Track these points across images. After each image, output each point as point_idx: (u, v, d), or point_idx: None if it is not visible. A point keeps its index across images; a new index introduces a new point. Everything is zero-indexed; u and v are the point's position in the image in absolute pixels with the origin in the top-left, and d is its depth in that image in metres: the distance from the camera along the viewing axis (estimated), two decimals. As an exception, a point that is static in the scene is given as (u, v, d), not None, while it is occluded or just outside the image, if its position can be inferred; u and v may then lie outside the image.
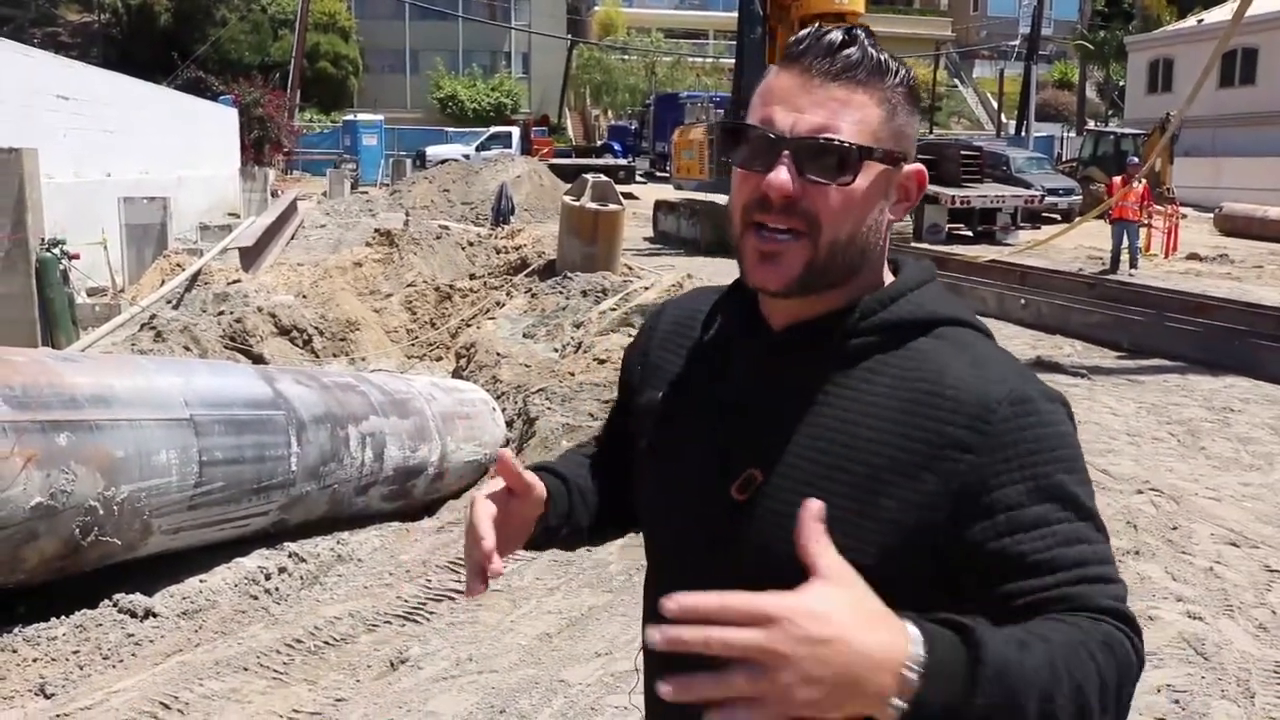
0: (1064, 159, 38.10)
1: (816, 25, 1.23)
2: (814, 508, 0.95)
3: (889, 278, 1.27)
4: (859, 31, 1.19)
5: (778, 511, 1.15)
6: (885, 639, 0.91)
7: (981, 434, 1.12)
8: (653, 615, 1.34)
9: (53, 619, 4.27)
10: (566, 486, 1.41)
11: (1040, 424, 1.14)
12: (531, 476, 1.28)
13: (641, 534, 1.43)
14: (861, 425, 1.16)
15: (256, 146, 32.69)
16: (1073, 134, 46.42)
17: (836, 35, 1.17)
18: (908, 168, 1.23)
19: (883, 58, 1.18)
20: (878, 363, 1.19)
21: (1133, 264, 17.78)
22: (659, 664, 1.35)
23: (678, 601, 0.89)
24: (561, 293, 10.68)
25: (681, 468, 1.27)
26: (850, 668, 0.88)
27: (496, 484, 1.28)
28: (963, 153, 24.95)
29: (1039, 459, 1.11)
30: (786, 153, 1.15)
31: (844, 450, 1.16)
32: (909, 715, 0.90)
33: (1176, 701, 3.82)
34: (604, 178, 13.06)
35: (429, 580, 4.79)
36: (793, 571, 0.96)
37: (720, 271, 16.14)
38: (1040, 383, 1.22)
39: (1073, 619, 1.04)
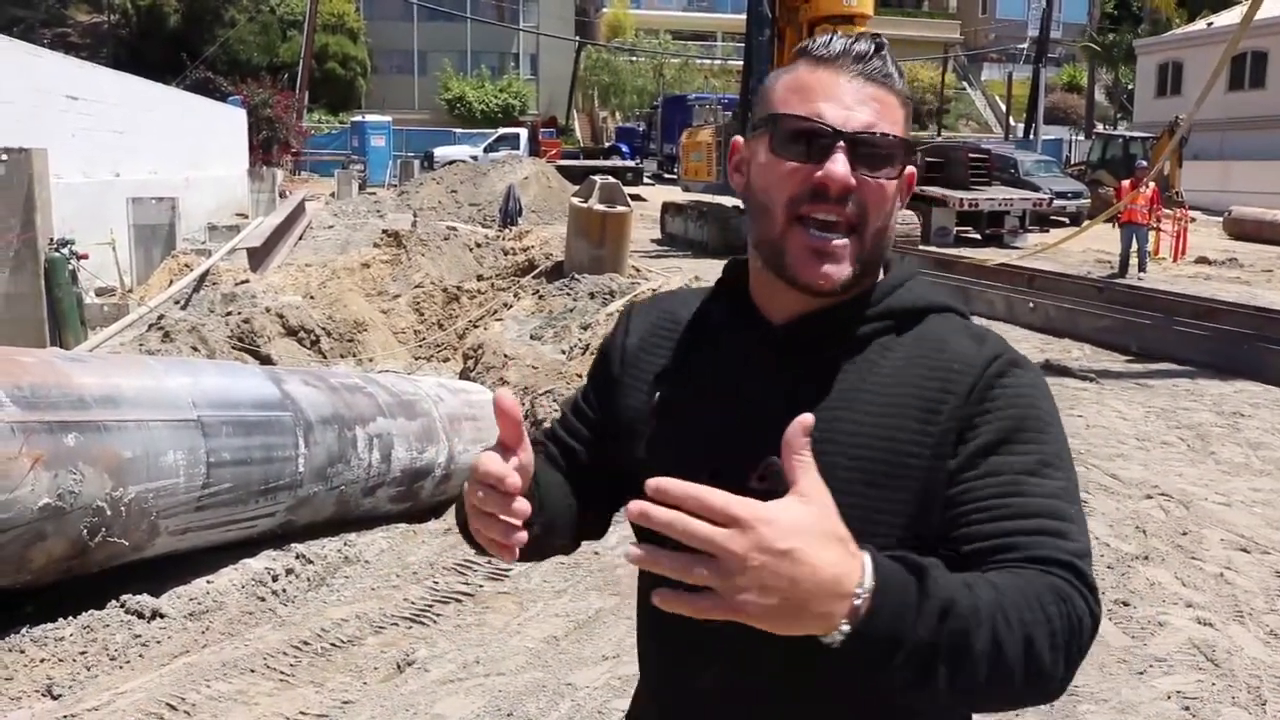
0: (1072, 162, 38.04)
1: (835, 31, 1.29)
2: (805, 422, 0.98)
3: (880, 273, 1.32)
4: (882, 41, 1.24)
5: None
6: (841, 563, 0.94)
7: (973, 385, 1.20)
8: (650, 617, 1.34)
9: (60, 620, 4.27)
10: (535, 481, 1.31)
11: (1028, 385, 1.22)
12: (526, 435, 1.18)
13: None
14: (872, 407, 1.21)
15: (265, 147, 32.80)
16: (1081, 137, 46.37)
17: (865, 44, 1.23)
18: (911, 168, 1.28)
19: (899, 67, 1.25)
20: (882, 347, 1.25)
21: (1141, 267, 17.74)
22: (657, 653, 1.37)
23: (657, 483, 0.92)
24: (569, 294, 10.68)
25: (692, 461, 1.23)
26: (802, 584, 0.92)
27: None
28: (971, 155, 24.93)
29: (1020, 411, 1.19)
30: (842, 145, 1.18)
31: (861, 429, 1.20)
32: (852, 641, 0.95)
33: (1187, 708, 3.80)
34: (612, 179, 13.06)
35: (436, 582, 4.79)
36: None
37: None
38: (1027, 361, 1.29)
39: (1026, 570, 1.08)
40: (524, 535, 1.14)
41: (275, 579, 4.84)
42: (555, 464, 1.44)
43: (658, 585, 0.98)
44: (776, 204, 1.22)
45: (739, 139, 1.34)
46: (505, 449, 1.15)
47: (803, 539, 0.92)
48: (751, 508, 0.92)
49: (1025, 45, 53.83)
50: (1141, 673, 4.07)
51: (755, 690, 1.26)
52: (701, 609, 0.93)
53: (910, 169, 1.27)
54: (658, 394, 1.34)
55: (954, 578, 1.02)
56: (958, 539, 1.14)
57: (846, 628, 0.94)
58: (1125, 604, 4.67)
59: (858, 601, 0.94)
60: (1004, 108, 54.87)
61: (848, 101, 1.20)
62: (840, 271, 1.20)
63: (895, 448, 1.19)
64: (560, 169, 29.04)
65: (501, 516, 1.12)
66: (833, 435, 1.19)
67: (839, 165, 1.18)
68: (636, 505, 0.92)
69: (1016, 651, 1.00)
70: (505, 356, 8.50)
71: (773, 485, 1.15)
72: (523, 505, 1.12)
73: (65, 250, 10.48)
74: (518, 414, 1.16)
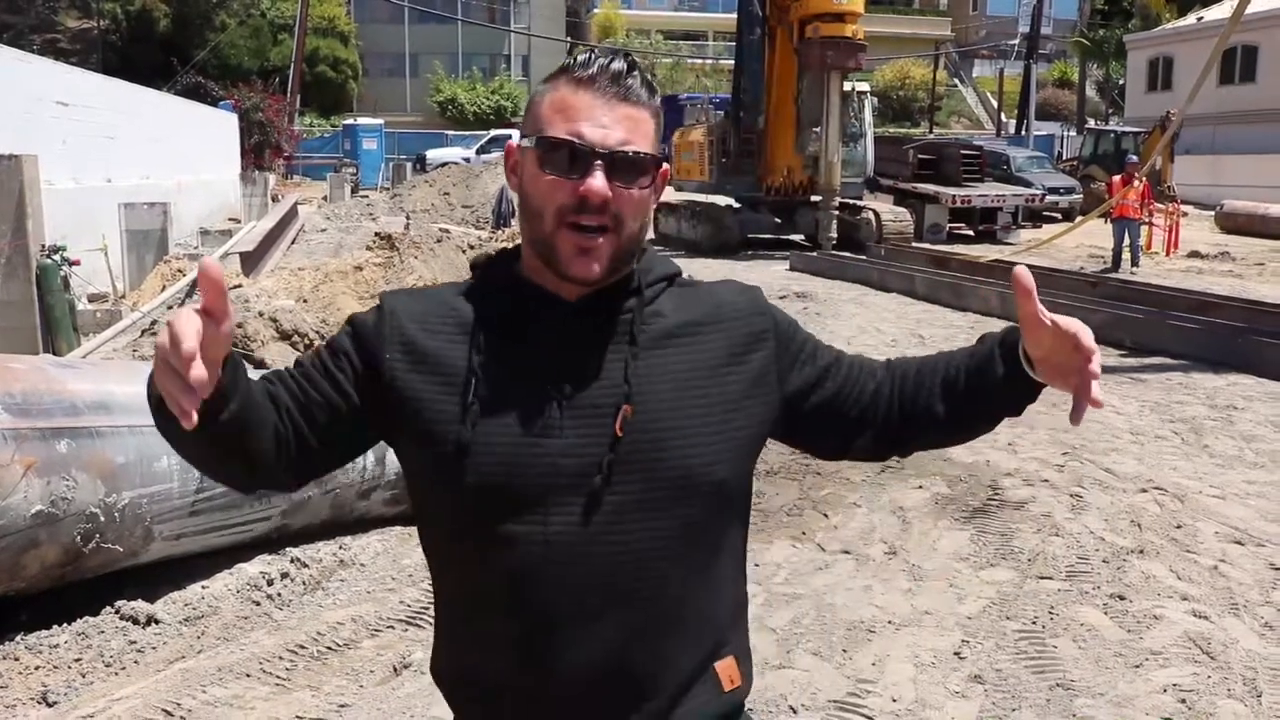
0: (1064, 158, 38.09)
1: (592, 53, 1.44)
2: (1023, 277, 1.37)
3: None
4: (632, 57, 1.44)
5: (653, 433, 1.40)
6: None
7: (766, 320, 1.54)
8: (512, 594, 1.41)
9: (54, 626, 4.25)
10: (245, 381, 1.36)
11: (776, 306, 1.60)
12: (229, 305, 1.22)
13: (445, 512, 1.46)
14: (683, 342, 1.46)
15: (257, 151, 32.71)
16: (1073, 133, 46.41)
17: (620, 64, 1.41)
18: (664, 167, 1.47)
19: (649, 80, 1.45)
20: (663, 301, 1.49)
21: (1134, 262, 17.77)
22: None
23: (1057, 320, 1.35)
24: (562, 295, 10.65)
25: (533, 428, 1.39)
26: None
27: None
28: (963, 152, 24.96)
29: (791, 321, 1.60)
30: (599, 163, 1.38)
31: (681, 362, 1.45)
32: None
33: (1183, 701, 3.81)
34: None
35: (431, 584, 4.78)
36: (680, 483, 1.40)
37: (721, 272, 16.17)
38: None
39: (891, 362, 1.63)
40: (196, 400, 1.18)
41: (270, 583, 4.83)
42: (275, 401, 1.46)
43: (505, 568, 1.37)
44: (547, 211, 1.40)
45: (511, 143, 1.51)
46: (206, 314, 1.20)
47: None
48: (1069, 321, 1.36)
49: (1016, 41, 53.94)
50: (1137, 666, 4.07)
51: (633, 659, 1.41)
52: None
53: (664, 168, 1.47)
54: (475, 380, 1.41)
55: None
56: (830, 387, 1.57)
57: None
58: (1121, 598, 4.68)
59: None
60: (995, 104, 54.91)
61: (604, 122, 1.39)
62: (600, 265, 1.40)
63: (715, 362, 1.47)
64: (553, 170, 28.95)
65: (183, 375, 1.16)
66: (664, 366, 1.44)
67: (598, 181, 1.37)
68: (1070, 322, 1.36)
69: None
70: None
71: (628, 432, 1.39)
72: (200, 372, 1.16)
73: (57, 257, 10.45)
74: (221, 282, 1.21)
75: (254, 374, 1.46)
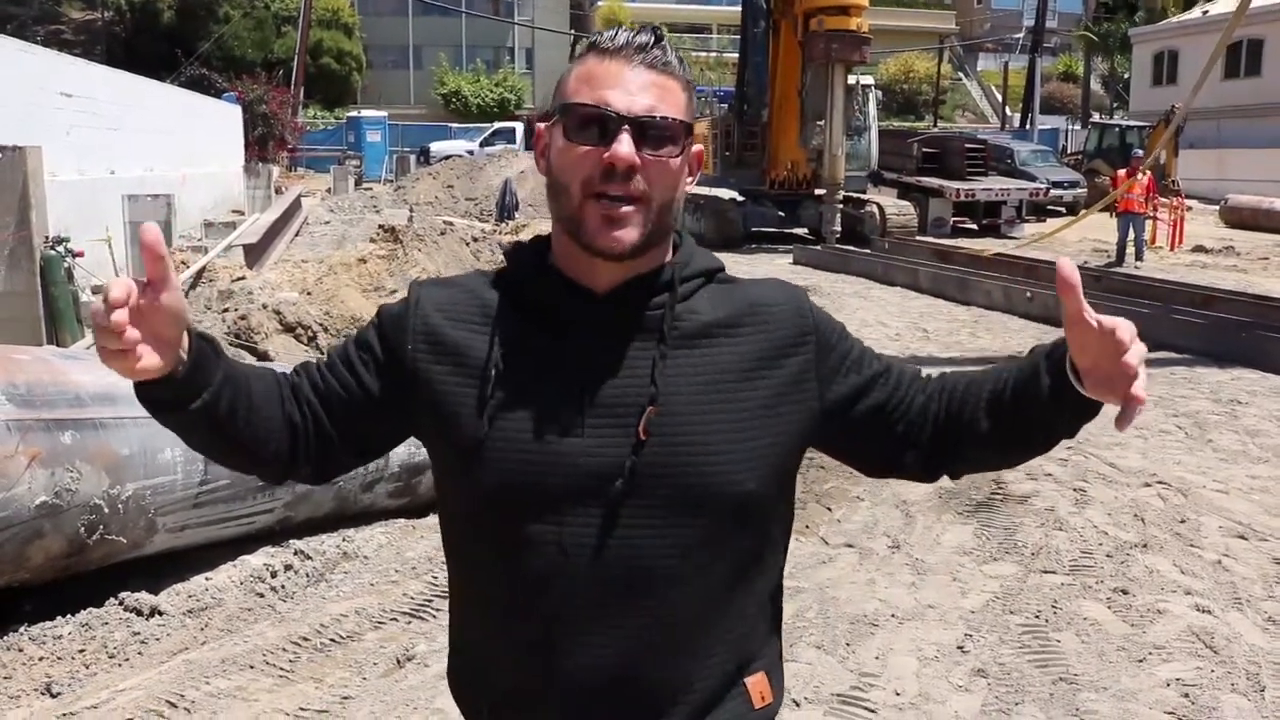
0: (1069, 152, 38.02)
1: (620, 26, 1.44)
2: (1067, 272, 1.33)
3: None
4: (661, 31, 1.39)
5: (679, 437, 1.33)
6: None
7: (807, 323, 1.45)
8: (532, 595, 1.38)
9: (58, 618, 4.26)
10: (225, 371, 1.35)
11: (821, 308, 1.51)
12: (170, 271, 1.20)
13: (462, 510, 1.44)
14: (716, 343, 1.39)
15: (260, 143, 32.69)
16: (1077, 127, 46.33)
17: (646, 35, 1.37)
18: (697, 147, 1.43)
19: (678, 55, 1.39)
20: (700, 298, 1.42)
21: (1138, 256, 17.75)
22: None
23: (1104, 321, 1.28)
24: (566, 288, 10.65)
25: (553, 427, 1.34)
26: None
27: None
28: (967, 146, 24.93)
29: (835, 321, 1.50)
30: (627, 128, 1.31)
31: (713, 365, 1.38)
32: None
33: (1186, 695, 3.80)
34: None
35: (435, 577, 4.79)
36: (703, 491, 1.33)
37: (726, 265, 16.11)
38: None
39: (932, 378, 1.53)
40: (132, 362, 1.18)
41: (274, 575, 4.83)
42: (296, 393, 1.46)
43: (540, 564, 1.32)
44: (574, 183, 1.34)
45: (541, 126, 1.45)
46: (147, 284, 1.20)
47: None
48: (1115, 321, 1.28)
49: (1021, 35, 53.85)
50: (1141, 660, 4.07)
51: (647, 655, 1.36)
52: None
53: (697, 148, 1.43)
54: (494, 371, 1.37)
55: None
56: (876, 400, 1.48)
57: None
58: (1124, 592, 4.68)
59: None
60: (1000, 98, 54.84)
61: (631, 89, 1.33)
62: (629, 235, 1.33)
63: (749, 367, 1.39)
64: (556, 163, 28.91)
65: (117, 337, 1.17)
66: (695, 369, 1.37)
67: (624, 146, 1.31)
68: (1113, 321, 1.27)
69: None
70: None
71: (653, 433, 1.32)
72: (134, 334, 1.17)
73: (61, 248, 10.44)
74: (158, 248, 1.19)
75: (283, 367, 1.46)
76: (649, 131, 1.33)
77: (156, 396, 1.29)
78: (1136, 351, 1.25)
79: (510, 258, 1.48)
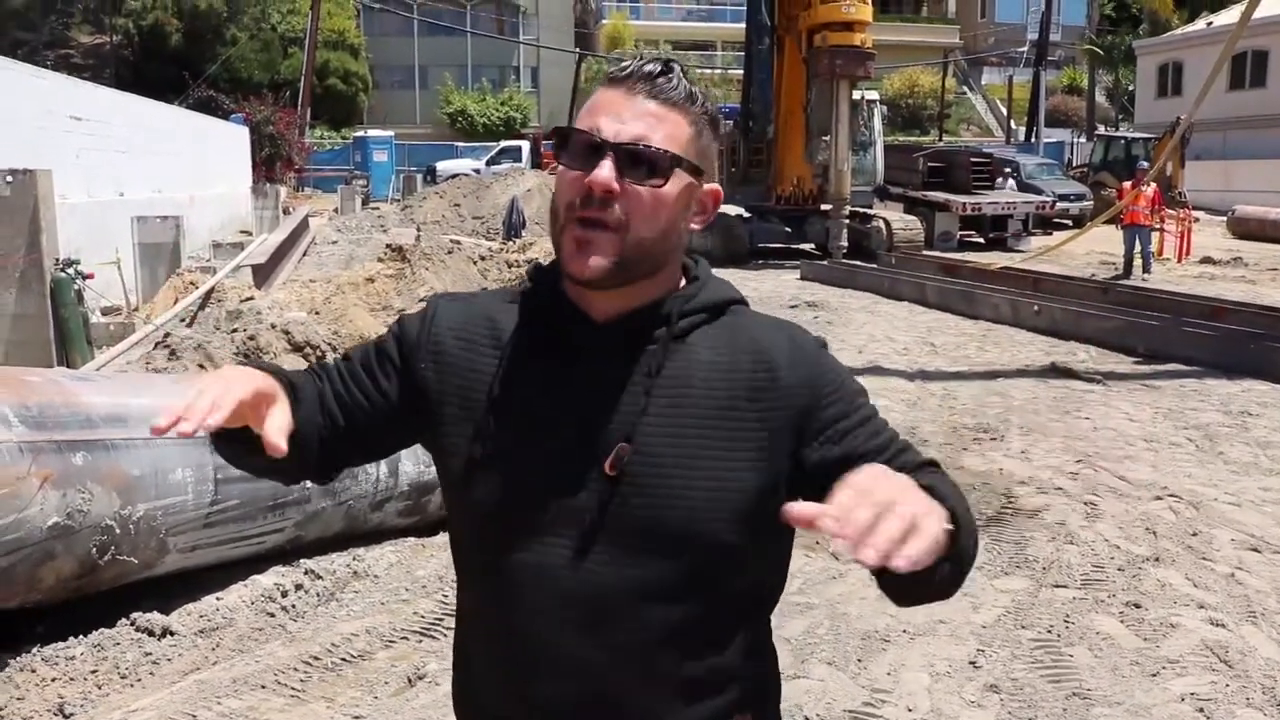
0: (1074, 164, 38.01)
1: (639, 55, 1.41)
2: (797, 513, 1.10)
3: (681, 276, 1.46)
4: (675, 64, 1.38)
5: (649, 477, 1.31)
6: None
7: (804, 376, 1.38)
8: (496, 626, 1.40)
9: (70, 639, 4.26)
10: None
11: (833, 361, 1.44)
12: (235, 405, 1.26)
13: (460, 528, 1.47)
14: (704, 386, 1.35)
15: (268, 164, 32.88)
16: (1083, 139, 46.31)
17: (656, 64, 1.36)
18: (708, 186, 1.42)
19: (692, 88, 1.37)
20: (701, 335, 1.39)
21: (1145, 268, 17.73)
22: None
23: (845, 507, 1.03)
24: (573, 305, 10.67)
25: (536, 454, 1.35)
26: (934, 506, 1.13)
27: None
28: (973, 160, 24.94)
29: (844, 382, 1.41)
30: (610, 154, 1.31)
31: (696, 408, 1.34)
32: (952, 537, 1.16)
33: (1201, 710, 3.78)
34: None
35: (446, 596, 4.79)
36: (666, 533, 1.30)
37: (732, 283, 16.10)
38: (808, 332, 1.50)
39: (920, 472, 1.31)
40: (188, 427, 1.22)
41: (284, 595, 4.84)
42: (321, 398, 1.49)
43: (497, 598, 1.35)
44: (560, 207, 1.35)
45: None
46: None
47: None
48: (887, 478, 1.12)
49: (1025, 49, 53.89)
50: (1155, 675, 4.05)
51: (606, 692, 1.35)
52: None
53: (711, 187, 1.42)
54: (492, 394, 1.39)
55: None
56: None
57: (950, 527, 1.15)
58: (1137, 606, 4.66)
59: (945, 506, 1.17)
60: (1005, 111, 54.85)
61: (625, 117, 1.33)
62: (597, 262, 1.31)
63: (731, 414, 1.34)
64: (563, 181, 28.93)
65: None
66: (678, 410, 1.33)
67: (603, 171, 1.30)
68: (826, 513, 1.04)
69: (973, 523, 1.29)
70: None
71: (622, 471, 1.30)
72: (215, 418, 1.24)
73: (71, 270, 10.50)
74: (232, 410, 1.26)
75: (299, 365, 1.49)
76: (633, 159, 1.32)
77: (234, 444, 1.39)
78: (863, 510, 1.03)
79: (530, 279, 1.47)
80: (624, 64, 1.38)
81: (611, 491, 1.31)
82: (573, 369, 1.37)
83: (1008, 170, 26.66)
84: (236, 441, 1.37)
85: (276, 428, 1.28)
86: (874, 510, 1.03)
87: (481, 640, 1.45)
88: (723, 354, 1.37)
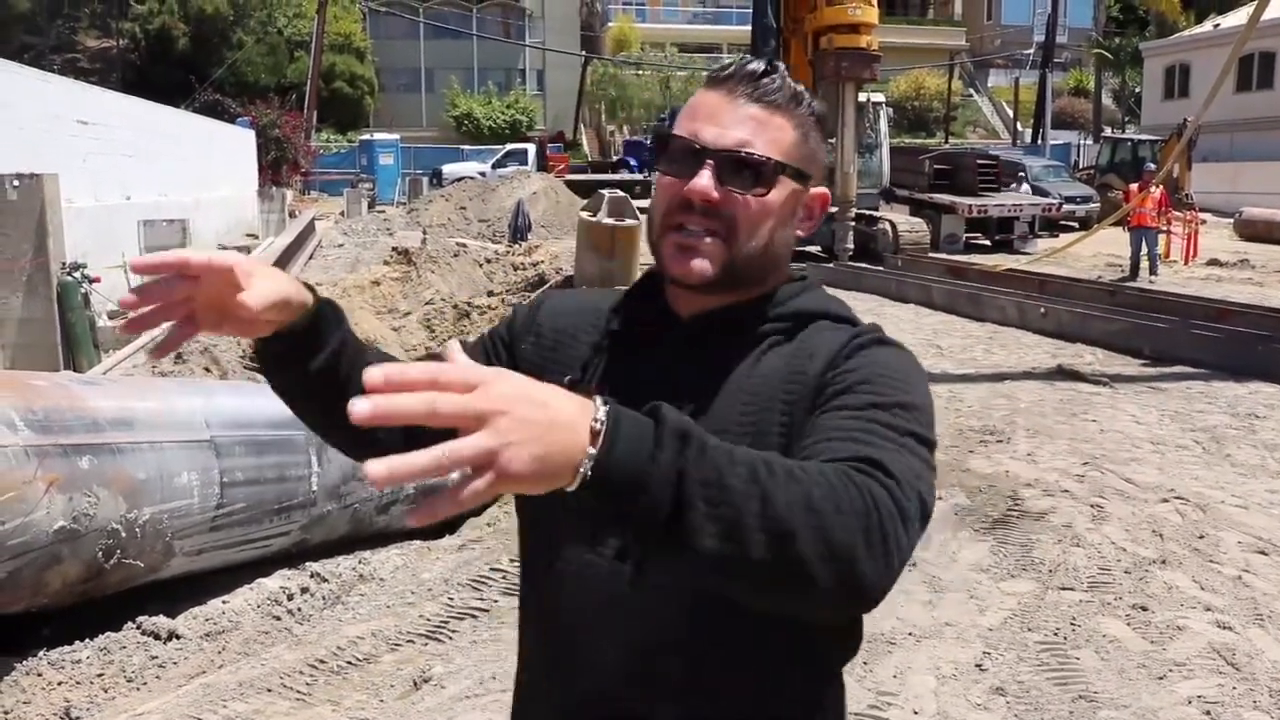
0: (1081, 166, 37.96)
1: (742, 56, 1.38)
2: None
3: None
4: (779, 64, 1.32)
5: None
6: (570, 398, 0.95)
7: (829, 362, 1.25)
8: (538, 613, 1.39)
9: (77, 642, 4.28)
10: (345, 338, 1.34)
11: (886, 355, 1.28)
12: (194, 259, 1.21)
13: (521, 522, 1.44)
14: (747, 397, 1.27)
15: (274, 167, 32.92)
16: (1089, 141, 46.26)
17: (759, 65, 1.31)
18: (814, 190, 1.36)
19: (797, 89, 1.32)
20: (771, 346, 1.31)
21: (1152, 270, 17.69)
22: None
23: (383, 370, 0.86)
24: (579, 308, 10.68)
25: None
26: (554, 416, 0.91)
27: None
28: (979, 162, 24.92)
29: (867, 372, 1.22)
30: (710, 162, 1.26)
31: (729, 418, 1.26)
32: (599, 470, 0.92)
33: (1208, 713, 3.77)
34: (620, 193, 13.07)
35: (451, 598, 4.79)
36: None
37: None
38: (904, 347, 1.33)
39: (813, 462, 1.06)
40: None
41: (290, 598, 4.84)
42: None
43: (548, 579, 1.28)
44: (657, 213, 1.32)
45: None
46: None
47: (531, 385, 0.93)
48: (477, 368, 0.91)
49: (1031, 51, 53.79)
50: (1161, 677, 4.04)
51: (652, 677, 1.29)
52: (474, 491, 0.87)
53: (818, 191, 1.35)
54: (567, 378, 1.36)
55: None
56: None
57: (593, 451, 0.92)
58: (1143, 608, 4.64)
59: (597, 425, 0.93)
60: (1011, 114, 54.79)
61: (725, 121, 1.28)
62: (703, 266, 1.27)
63: (759, 435, 1.24)
64: (568, 184, 29.02)
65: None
66: (726, 416, 1.26)
67: (702, 180, 1.25)
68: (371, 404, 0.85)
69: (789, 500, 0.95)
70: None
71: None
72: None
73: (77, 274, 10.54)
74: (158, 263, 1.22)
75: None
76: (734, 167, 1.26)
77: (274, 350, 1.30)
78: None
79: (643, 275, 1.47)
80: (725, 64, 1.33)
81: None
82: (645, 364, 1.34)
83: (1021, 174, 26.60)
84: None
85: (254, 291, 1.21)
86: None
87: (531, 637, 1.43)
88: (778, 369, 1.29)
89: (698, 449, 0.95)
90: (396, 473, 0.84)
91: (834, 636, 1.35)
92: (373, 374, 0.86)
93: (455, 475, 0.88)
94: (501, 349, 1.48)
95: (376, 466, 0.83)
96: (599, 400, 0.95)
